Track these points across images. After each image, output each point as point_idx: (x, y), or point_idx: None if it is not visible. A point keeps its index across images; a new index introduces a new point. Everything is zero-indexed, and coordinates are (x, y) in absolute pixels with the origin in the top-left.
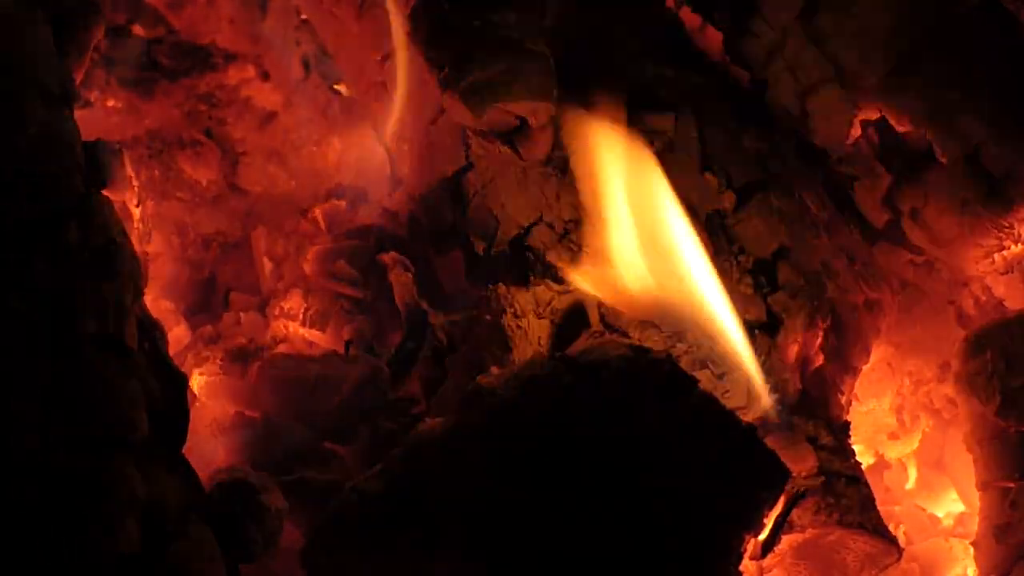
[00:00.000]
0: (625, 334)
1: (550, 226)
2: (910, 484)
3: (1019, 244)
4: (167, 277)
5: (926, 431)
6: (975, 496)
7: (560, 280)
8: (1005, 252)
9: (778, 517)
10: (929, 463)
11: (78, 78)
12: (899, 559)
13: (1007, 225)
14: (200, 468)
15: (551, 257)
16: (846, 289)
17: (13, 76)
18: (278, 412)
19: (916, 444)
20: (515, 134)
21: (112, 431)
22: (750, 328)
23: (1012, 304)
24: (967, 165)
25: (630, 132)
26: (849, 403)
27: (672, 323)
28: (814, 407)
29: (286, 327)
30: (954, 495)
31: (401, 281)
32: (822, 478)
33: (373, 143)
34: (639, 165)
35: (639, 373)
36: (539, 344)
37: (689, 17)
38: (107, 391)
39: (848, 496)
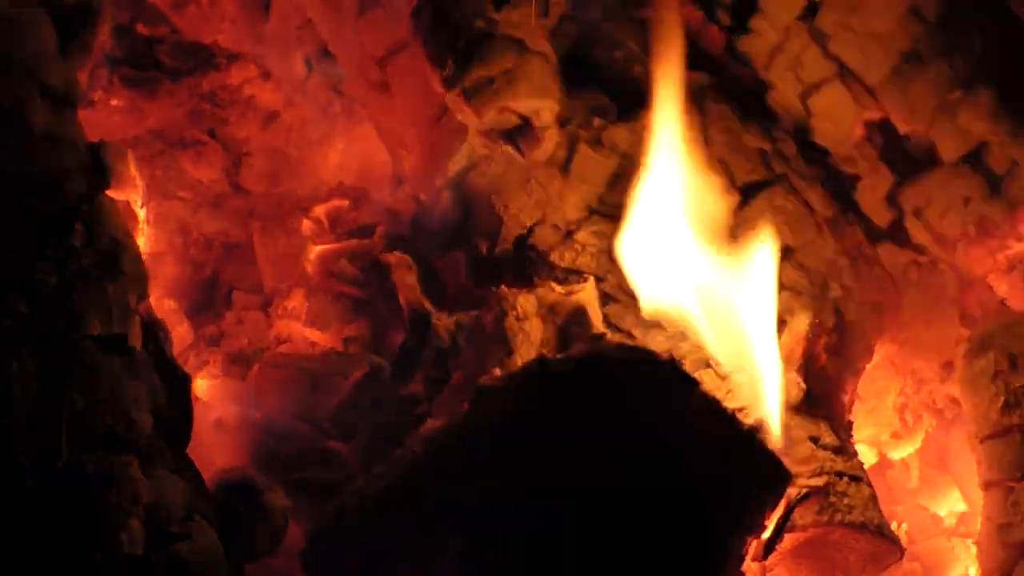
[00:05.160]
0: (629, 335)
1: (554, 226)
2: (913, 483)
3: (1022, 243)
4: (170, 277)
5: (929, 431)
6: (978, 495)
7: (563, 281)
8: (1008, 251)
9: (780, 518)
10: (932, 462)
11: (83, 79)
12: (901, 558)
13: (1010, 224)
14: (203, 468)
15: (554, 258)
16: (849, 288)
17: (17, 76)
18: (280, 412)
19: (919, 443)
20: (518, 133)
21: (116, 431)
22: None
23: (1015, 303)
24: (969, 164)
25: None
26: (852, 402)
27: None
28: (817, 406)
29: (288, 327)
30: (957, 494)
31: (404, 281)
32: (825, 477)
33: (375, 142)
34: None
35: (641, 374)
36: (542, 345)
37: (691, 15)
38: (111, 391)
39: (851, 495)
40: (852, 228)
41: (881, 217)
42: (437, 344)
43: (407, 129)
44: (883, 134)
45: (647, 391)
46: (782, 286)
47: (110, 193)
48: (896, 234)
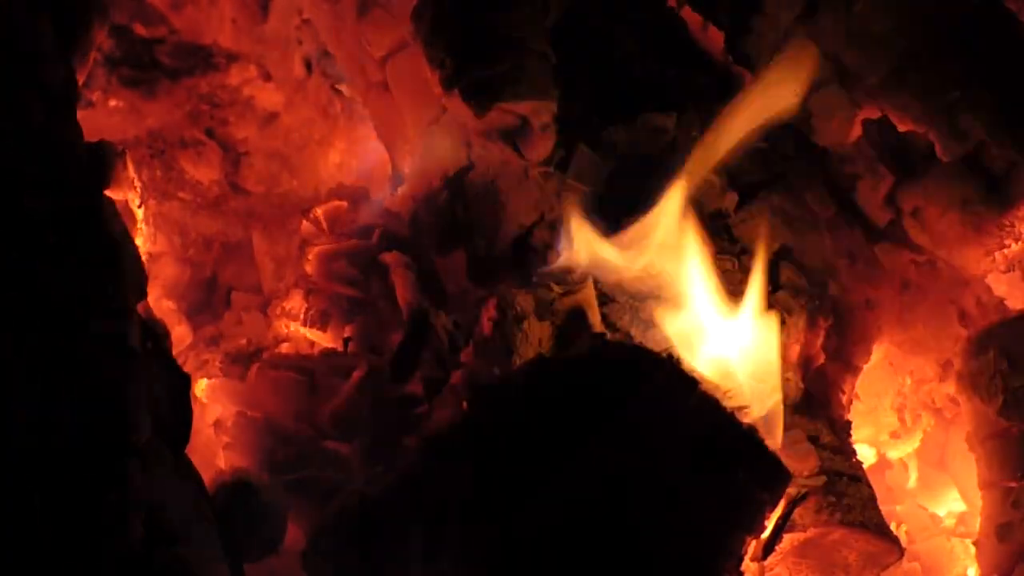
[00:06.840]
0: (627, 335)
1: (551, 226)
2: (911, 483)
3: (1020, 242)
4: (169, 277)
5: (927, 430)
6: (977, 495)
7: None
8: (1006, 251)
9: (779, 518)
10: (931, 462)
11: (81, 78)
12: (900, 558)
13: (1008, 224)
14: (203, 469)
15: (552, 257)
16: (848, 288)
17: (15, 76)
18: (280, 412)
19: (917, 443)
20: (517, 134)
21: (115, 432)
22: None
23: (1013, 303)
24: (968, 164)
25: None
26: (851, 402)
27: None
28: (816, 406)
29: (287, 327)
30: (955, 494)
31: (403, 281)
32: (824, 477)
33: (375, 143)
34: None
35: (640, 374)
36: (540, 346)
37: (691, 16)
38: (110, 392)
39: (850, 495)
40: (850, 228)
41: (880, 217)
42: (436, 344)
43: (407, 129)
44: (882, 134)
45: (647, 390)
46: (780, 285)
47: (108, 193)
48: (895, 234)
